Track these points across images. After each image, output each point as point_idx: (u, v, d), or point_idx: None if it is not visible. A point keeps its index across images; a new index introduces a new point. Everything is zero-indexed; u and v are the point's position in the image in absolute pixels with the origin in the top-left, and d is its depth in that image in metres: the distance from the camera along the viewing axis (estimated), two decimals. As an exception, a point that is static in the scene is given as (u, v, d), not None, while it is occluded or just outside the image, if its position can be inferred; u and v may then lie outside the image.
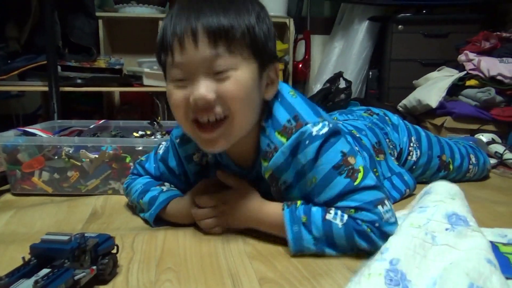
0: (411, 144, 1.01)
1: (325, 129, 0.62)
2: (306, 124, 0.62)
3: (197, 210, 0.70)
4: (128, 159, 0.95)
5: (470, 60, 1.69)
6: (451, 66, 1.88)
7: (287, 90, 0.68)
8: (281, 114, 0.64)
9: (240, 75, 0.58)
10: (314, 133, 0.61)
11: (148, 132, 1.16)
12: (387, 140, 0.96)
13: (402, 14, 2.12)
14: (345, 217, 0.60)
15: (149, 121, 1.21)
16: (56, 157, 0.94)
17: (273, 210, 0.65)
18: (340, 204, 0.61)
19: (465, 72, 1.70)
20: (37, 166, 0.94)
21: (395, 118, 1.04)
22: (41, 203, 0.89)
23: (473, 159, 1.08)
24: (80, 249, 0.49)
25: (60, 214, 0.83)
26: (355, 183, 0.61)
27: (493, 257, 0.47)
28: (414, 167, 1.01)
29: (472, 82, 1.67)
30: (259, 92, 0.63)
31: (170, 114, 2.06)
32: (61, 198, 0.93)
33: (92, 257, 0.51)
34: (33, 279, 0.45)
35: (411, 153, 1.00)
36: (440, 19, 2.11)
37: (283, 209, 0.63)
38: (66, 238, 0.50)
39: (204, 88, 0.57)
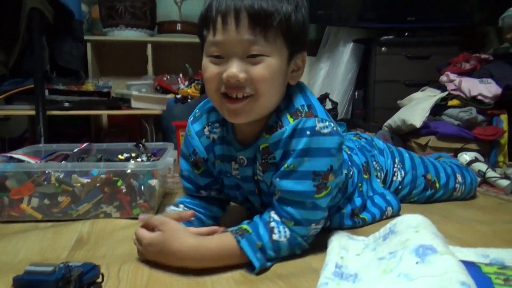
0: (395, 166, 1.04)
1: (327, 130, 0.67)
2: (316, 116, 0.67)
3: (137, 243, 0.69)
4: (119, 183, 0.95)
5: (451, 81, 1.75)
6: (433, 86, 1.93)
7: (308, 89, 0.74)
8: (297, 100, 0.70)
9: (271, 61, 0.64)
10: (317, 128, 0.66)
11: (134, 155, 1.16)
12: (374, 162, 0.99)
13: (385, 37, 2.18)
14: (287, 232, 0.68)
15: (134, 143, 1.22)
16: (45, 182, 0.94)
17: (219, 243, 0.66)
18: (288, 209, 0.68)
19: (447, 92, 1.75)
20: (26, 193, 0.93)
21: (380, 143, 1.08)
22: (25, 230, 0.88)
23: (460, 178, 1.10)
24: (64, 280, 0.49)
25: (44, 241, 0.82)
26: (315, 196, 0.68)
27: (467, 277, 0.48)
28: (400, 187, 1.04)
29: (454, 102, 1.72)
30: (285, 77, 0.68)
31: (157, 137, 2.06)
32: (46, 225, 0.92)
33: (76, 287, 0.50)
34: (15, 312, 0.45)
35: (396, 174, 1.03)
36: (421, 41, 2.18)
37: (238, 241, 0.65)
38: (50, 269, 0.49)
39: (238, 68, 0.62)
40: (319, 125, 0.66)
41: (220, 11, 0.62)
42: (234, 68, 0.62)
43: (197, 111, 0.81)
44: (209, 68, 0.66)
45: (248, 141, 0.74)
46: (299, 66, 0.71)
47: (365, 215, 0.89)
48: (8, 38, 1.63)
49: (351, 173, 0.87)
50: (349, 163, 0.88)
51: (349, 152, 0.92)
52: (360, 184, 0.90)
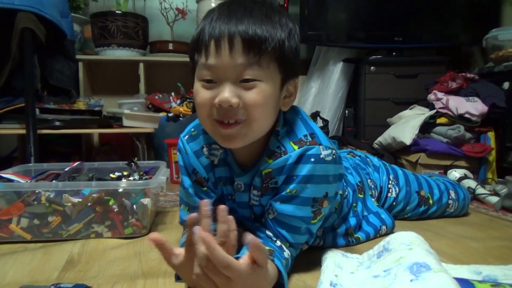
0: (390, 182, 1.05)
1: (330, 158, 0.67)
2: (320, 144, 0.67)
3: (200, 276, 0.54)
4: (111, 202, 0.94)
5: (439, 99, 1.78)
6: (422, 104, 1.97)
7: (305, 114, 0.74)
8: (300, 129, 0.70)
9: (265, 86, 0.63)
10: (321, 156, 0.67)
11: (126, 173, 1.15)
12: (368, 180, 1.00)
13: (373, 56, 2.23)
14: (288, 252, 0.69)
15: (126, 162, 1.21)
16: (35, 202, 0.92)
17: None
18: (283, 232, 0.69)
19: (435, 110, 1.78)
20: (15, 213, 0.91)
21: (375, 160, 1.09)
22: (14, 251, 0.86)
23: (453, 194, 1.12)
24: (56, 302, 0.48)
25: (34, 262, 0.80)
26: (311, 221, 0.70)
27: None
28: (394, 203, 1.05)
29: (442, 120, 1.75)
30: (278, 103, 0.68)
31: (149, 155, 2.05)
32: (36, 245, 0.90)
33: (68, 309, 0.50)
34: (5, 336, 0.44)
35: (390, 190, 1.05)
36: (409, 60, 2.23)
37: (272, 260, 0.62)
38: (41, 291, 0.48)
39: (230, 93, 0.61)
40: (324, 153, 0.67)
41: (213, 36, 0.61)
42: (227, 93, 0.61)
43: (192, 129, 0.79)
44: (201, 93, 0.64)
45: (247, 164, 0.74)
46: (291, 92, 0.70)
47: (359, 235, 0.89)
48: (-1, 57, 1.63)
49: (346, 193, 0.88)
50: (344, 184, 0.88)
51: (344, 172, 0.93)
52: (354, 204, 0.91)
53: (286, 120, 0.72)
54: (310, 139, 0.68)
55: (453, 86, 1.80)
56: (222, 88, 0.62)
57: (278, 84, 0.66)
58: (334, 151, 0.69)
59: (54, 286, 0.50)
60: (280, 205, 0.68)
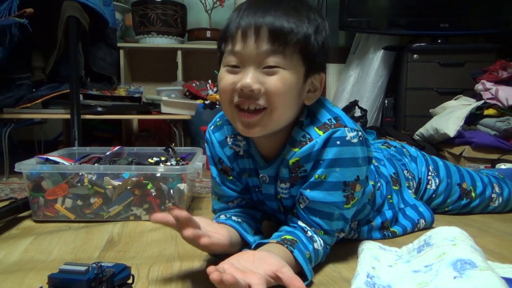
0: (429, 173, 1.01)
1: (356, 140, 0.66)
2: (345, 126, 0.66)
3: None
4: (149, 186, 0.97)
5: (487, 89, 1.69)
6: (468, 95, 1.87)
7: (328, 102, 0.74)
8: (323, 115, 0.69)
9: (287, 75, 0.63)
10: (347, 138, 0.65)
11: (163, 158, 1.18)
12: (405, 171, 0.96)
13: (417, 44, 2.13)
14: (321, 241, 0.68)
15: (164, 148, 1.24)
16: (79, 184, 0.96)
17: (281, 255, 0.61)
18: (316, 219, 0.68)
19: (482, 101, 1.69)
20: (60, 193, 0.96)
21: (413, 150, 1.05)
22: (59, 230, 0.91)
23: (497, 188, 1.06)
24: (97, 280, 0.50)
25: (77, 241, 0.84)
26: (344, 206, 0.68)
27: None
28: (434, 195, 1.01)
29: (490, 111, 1.66)
30: (300, 96, 0.67)
31: (186, 141, 2.09)
32: (79, 225, 0.94)
33: (108, 287, 0.51)
34: (50, 309, 0.46)
35: (430, 182, 1.00)
36: (455, 48, 2.12)
37: (291, 251, 0.62)
38: (83, 268, 0.50)
39: (252, 79, 0.62)
40: (349, 135, 0.65)
41: (240, 26, 0.63)
42: (249, 79, 0.62)
43: (217, 119, 0.80)
44: (225, 77, 0.65)
45: (270, 156, 0.73)
46: (316, 87, 0.69)
47: (395, 228, 0.86)
48: (47, 45, 1.70)
49: (379, 184, 0.85)
50: (376, 175, 0.85)
51: (376, 164, 0.90)
52: (389, 196, 0.88)
53: (310, 111, 0.71)
54: (335, 122, 0.67)
55: (504, 75, 1.69)
56: (245, 74, 0.63)
57: (301, 76, 0.65)
58: (360, 132, 0.67)
59: (96, 264, 0.52)
60: (310, 192, 0.67)
